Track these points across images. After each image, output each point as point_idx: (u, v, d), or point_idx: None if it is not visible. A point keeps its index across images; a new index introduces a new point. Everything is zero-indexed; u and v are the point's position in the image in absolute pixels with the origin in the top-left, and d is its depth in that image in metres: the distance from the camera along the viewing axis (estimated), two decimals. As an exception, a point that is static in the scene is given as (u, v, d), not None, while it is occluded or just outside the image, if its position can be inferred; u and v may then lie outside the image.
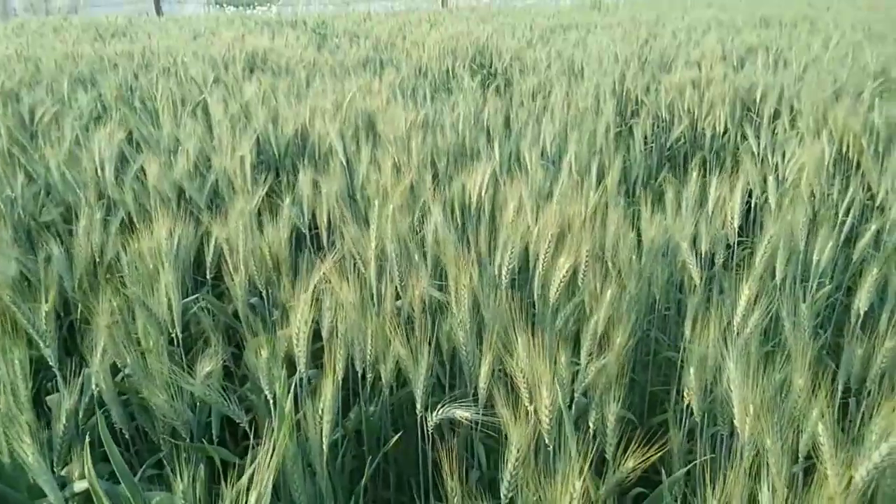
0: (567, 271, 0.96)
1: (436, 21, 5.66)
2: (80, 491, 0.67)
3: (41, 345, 0.77)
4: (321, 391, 0.71)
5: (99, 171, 1.47)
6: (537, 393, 0.67)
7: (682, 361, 1.09)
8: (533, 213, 1.20)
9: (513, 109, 2.33)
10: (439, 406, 0.79)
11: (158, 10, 7.30)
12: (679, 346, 1.22)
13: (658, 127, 2.48)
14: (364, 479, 0.86)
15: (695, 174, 1.38)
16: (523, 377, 0.70)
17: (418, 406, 0.80)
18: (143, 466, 0.81)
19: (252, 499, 0.51)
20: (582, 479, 0.56)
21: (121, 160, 1.58)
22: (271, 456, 0.56)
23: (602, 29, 4.65)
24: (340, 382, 0.78)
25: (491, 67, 3.68)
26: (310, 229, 1.42)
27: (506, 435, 0.66)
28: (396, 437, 0.88)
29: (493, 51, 3.87)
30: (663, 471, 0.86)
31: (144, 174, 1.49)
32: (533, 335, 0.75)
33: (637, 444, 0.68)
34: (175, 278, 0.91)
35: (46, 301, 0.79)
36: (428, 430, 0.80)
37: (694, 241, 1.18)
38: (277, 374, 0.74)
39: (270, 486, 0.54)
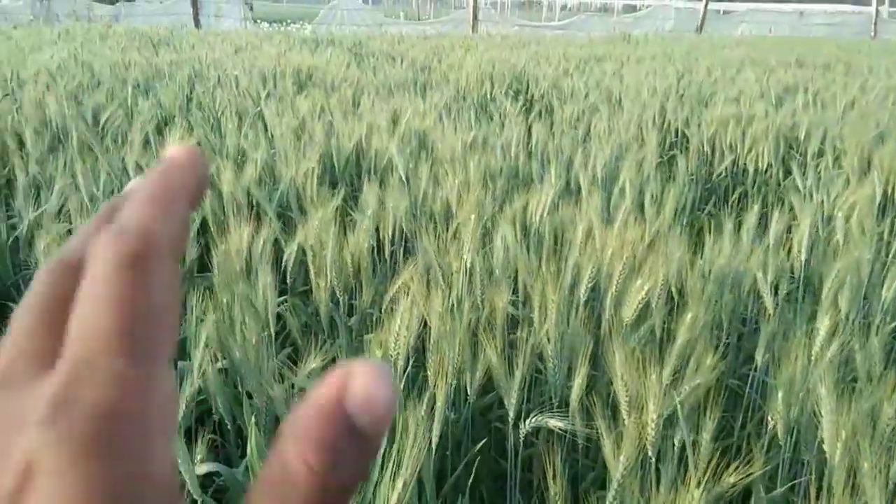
0: (646, 293, 0.99)
1: (469, 46, 5.76)
2: (202, 473, 0.70)
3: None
4: (432, 394, 0.74)
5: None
6: (644, 406, 0.70)
7: (749, 388, 1.12)
8: (602, 236, 1.24)
9: (555, 136, 2.38)
10: (532, 415, 0.82)
11: (197, 23, 7.46)
12: (742, 373, 1.24)
13: (699, 159, 2.51)
14: (446, 486, 0.89)
15: (755, 207, 1.41)
16: (626, 390, 0.73)
17: (510, 414, 0.83)
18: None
19: (388, 492, 0.54)
20: (701, 488, 0.59)
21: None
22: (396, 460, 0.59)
23: (636, 62, 4.72)
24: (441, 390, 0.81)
25: (527, 94, 3.74)
26: (377, 242, 1.46)
27: (598, 446, 0.69)
28: (482, 443, 0.91)
29: (531, 78, 3.94)
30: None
31: (213, 180, 1.54)
32: (622, 352, 0.78)
33: (736, 463, 0.71)
34: (272, 279, 0.95)
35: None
36: (519, 439, 0.83)
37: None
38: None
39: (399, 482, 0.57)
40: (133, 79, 2.77)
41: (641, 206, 1.62)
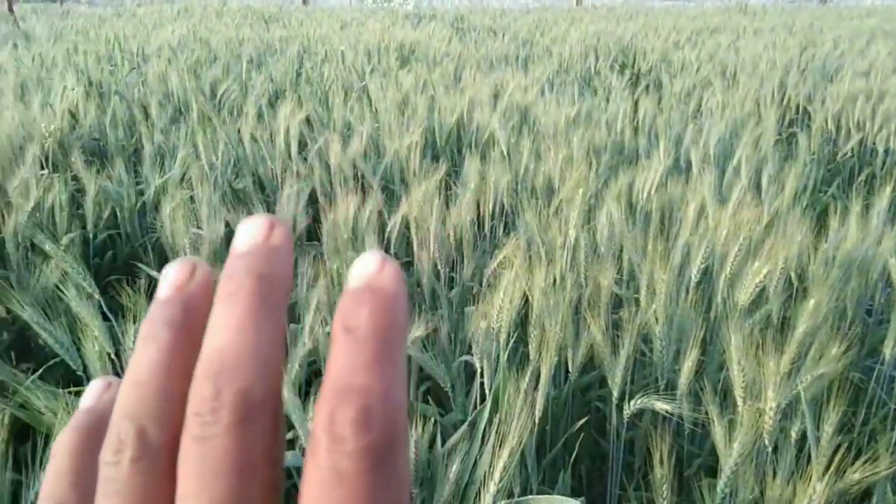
0: (764, 277, 0.94)
1: (573, 19, 5.61)
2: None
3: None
4: (535, 368, 0.74)
5: (283, 146, 1.58)
6: (762, 393, 0.66)
7: (873, 383, 1.04)
8: (715, 216, 1.18)
9: (664, 111, 2.29)
10: (637, 396, 0.80)
11: (305, 0, 7.66)
12: (865, 366, 1.16)
13: (822, 138, 2.35)
14: (545, 461, 0.88)
15: (887, 189, 1.30)
16: (742, 376, 0.70)
17: (615, 394, 0.81)
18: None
19: (502, 455, 0.54)
20: (824, 483, 0.55)
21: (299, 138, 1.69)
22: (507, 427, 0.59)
23: (754, 33, 4.44)
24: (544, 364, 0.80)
25: (634, 67, 3.61)
26: (478, 216, 1.46)
27: (705, 432, 0.66)
28: (583, 420, 0.90)
29: (638, 51, 3.79)
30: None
31: (322, 152, 1.59)
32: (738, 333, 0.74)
33: (860, 458, 0.66)
34: (378, 248, 0.97)
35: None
36: (623, 420, 0.81)
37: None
38: (488, 345, 0.78)
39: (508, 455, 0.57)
40: (247, 54, 2.88)
41: (758, 186, 1.53)
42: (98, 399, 0.16)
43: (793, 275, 1.14)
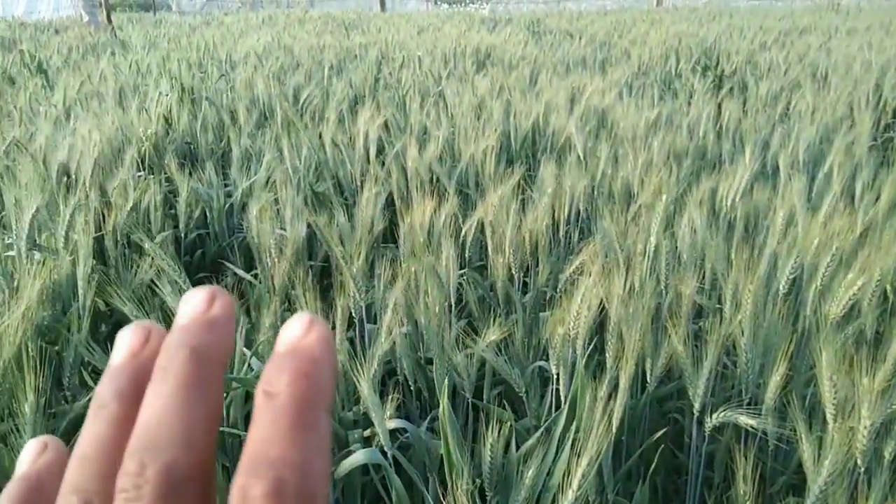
0: (858, 290, 0.89)
1: (653, 20, 5.49)
2: (391, 428, 0.74)
3: (355, 296, 0.87)
4: (613, 376, 0.73)
5: (362, 150, 1.62)
6: (855, 411, 0.63)
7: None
8: (805, 224, 1.13)
9: (749, 115, 2.21)
10: (720, 410, 0.77)
11: (383, 6, 7.82)
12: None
13: (923, 143, 2.21)
14: (621, 471, 0.87)
15: None
16: (833, 392, 0.67)
17: (696, 406, 0.79)
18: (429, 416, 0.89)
19: (581, 465, 0.54)
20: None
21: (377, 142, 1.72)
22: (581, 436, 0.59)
23: (847, 34, 4.22)
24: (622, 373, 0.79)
25: (718, 69, 3.50)
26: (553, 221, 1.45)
27: (791, 450, 0.63)
28: (661, 432, 0.88)
29: (721, 52, 3.67)
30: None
31: (399, 156, 1.61)
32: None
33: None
34: (455, 252, 0.98)
35: (359, 258, 0.89)
36: (704, 433, 0.79)
37: None
38: (564, 352, 0.77)
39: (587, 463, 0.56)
40: (328, 60, 2.96)
41: (851, 194, 1.46)
42: (34, 463, 0.16)
43: (888, 288, 1.09)
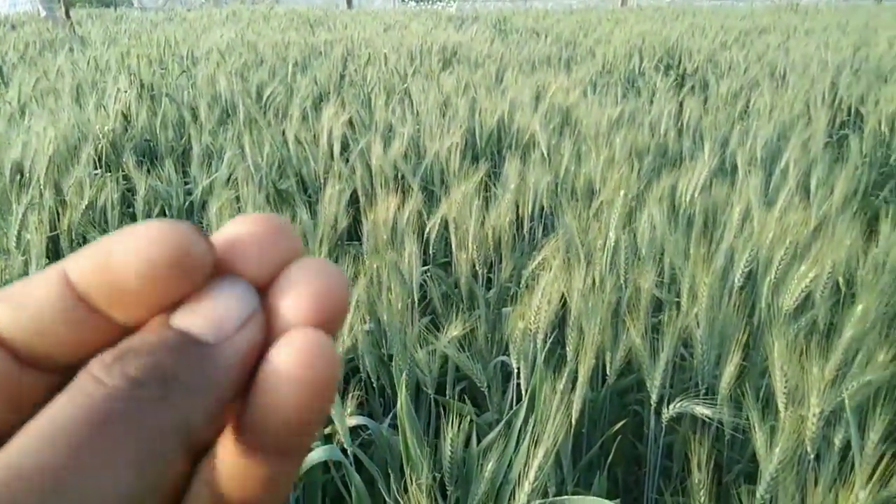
0: (811, 282, 0.92)
1: (618, 20, 5.55)
2: (351, 426, 0.74)
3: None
4: (573, 369, 0.74)
5: (326, 147, 1.61)
6: (805, 400, 0.65)
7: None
8: (760, 219, 1.16)
9: (709, 113, 2.25)
10: (676, 401, 0.79)
11: (349, 3, 7.76)
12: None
13: (875, 140, 2.27)
14: (581, 463, 0.88)
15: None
16: (784, 382, 0.68)
17: (653, 398, 0.81)
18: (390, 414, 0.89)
19: (536, 456, 0.54)
20: (867, 491, 0.54)
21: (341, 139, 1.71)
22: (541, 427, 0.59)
23: (805, 33, 4.33)
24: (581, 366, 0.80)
25: (680, 68, 3.55)
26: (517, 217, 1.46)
27: (746, 438, 0.65)
28: (621, 423, 0.89)
29: (683, 51, 3.73)
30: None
31: (364, 153, 1.61)
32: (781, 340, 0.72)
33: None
34: (418, 249, 0.98)
35: (320, 255, 0.88)
36: (661, 424, 0.80)
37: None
38: (526, 346, 0.78)
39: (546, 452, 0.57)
40: (292, 57, 2.93)
41: (806, 190, 1.50)
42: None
43: (840, 280, 1.11)
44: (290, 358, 0.12)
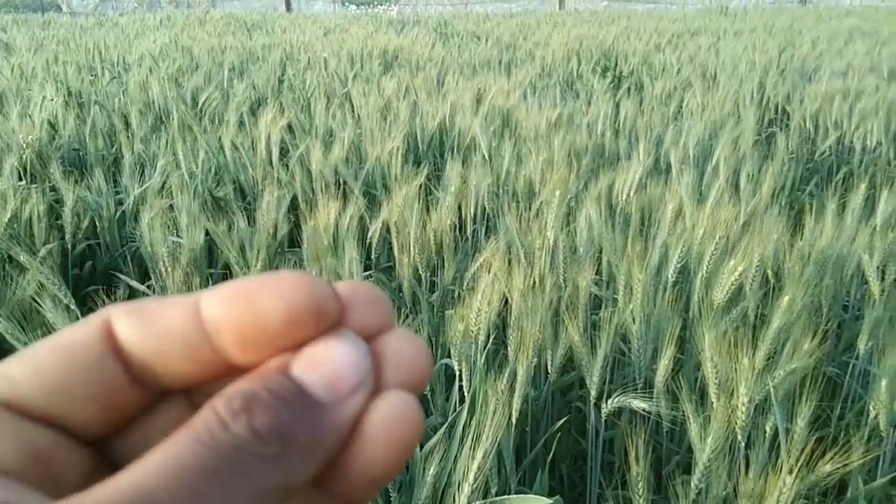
0: (740, 275, 0.95)
1: (556, 23, 5.64)
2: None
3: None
4: (513, 369, 0.74)
5: (264, 153, 1.58)
6: (735, 390, 0.67)
7: (849, 377, 1.06)
8: (692, 215, 1.19)
9: (645, 113, 2.31)
10: (614, 395, 0.80)
11: (288, 7, 7.67)
12: (842, 361, 1.17)
13: (801, 137, 2.37)
14: (525, 462, 0.89)
15: (862, 186, 1.32)
16: (715, 372, 0.71)
17: (592, 394, 0.82)
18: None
19: (476, 454, 0.54)
20: (794, 476, 0.56)
21: (280, 145, 1.69)
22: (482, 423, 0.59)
23: (734, 35, 4.49)
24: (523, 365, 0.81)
25: (616, 70, 3.64)
26: (460, 220, 1.47)
27: (683, 430, 0.66)
28: (562, 420, 0.90)
29: (619, 54, 3.82)
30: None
31: (303, 159, 1.59)
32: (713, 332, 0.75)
33: (832, 452, 0.67)
34: (358, 254, 0.98)
35: (256, 263, 0.86)
36: (601, 419, 0.82)
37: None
38: (467, 348, 0.78)
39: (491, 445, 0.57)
40: (229, 62, 2.88)
41: (737, 186, 1.55)
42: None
43: (769, 272, 1.16)
44: (389, 421, 0.13)
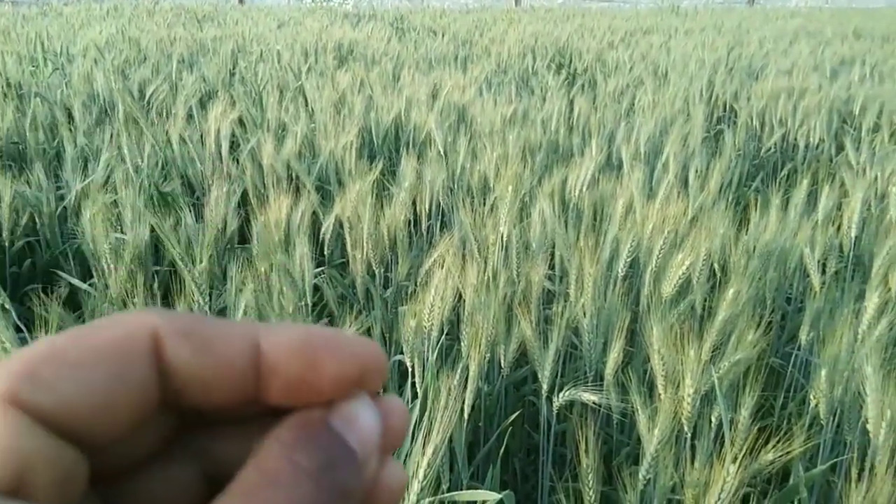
0: (687, 269, 0.97)
1: (512, 20, 5.67)
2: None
3: (198, 302, 0.83)
4: (465, 365, 0.74)
5: (214, 147, 1.55)
6: (680, 381, 0.68)
7: (792, 368, 1.09)
8: (642, 211, 1.21)
9: (598, 110, 2.34)
10: (565, 389, 0.81)
11: (241, -1, 7.52)
12: (786, 352, 1.21)
13: (747, 134, 2.44)
14: (478, 457, 0.89)
15: (804, 182, 1.37)
16: (662, 364, 0.72)
17: (544, 388, 0.83)
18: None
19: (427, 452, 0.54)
20: (737, 464, 0.57)
21: (231, 139, 1.65)
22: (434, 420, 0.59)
23: (685, 34, 4.58)
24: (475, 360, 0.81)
25: (570, 67, 3.68)
26: (414, 215, 1.46)
27: (631, 421, 0.67)
28: (515, 415, 0.91)
29: (574, 51, 3.86)
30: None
31: (255, 153, 1.56)
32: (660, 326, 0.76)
33: (774, 440, 0.69)
34: (309, 250, 0.96)
35: (201, 260, 0.84)
36: (552, 412, 0.82)
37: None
38: (419, 344, 0.78)
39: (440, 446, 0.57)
40: (178, 54, 2.80)
41: (686, 182, 1.58)
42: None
43: (716, 266, 1.19)
44: (397, 480, 0.15)
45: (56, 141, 1.69)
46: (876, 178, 1.91)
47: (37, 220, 1.31)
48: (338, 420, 0.14)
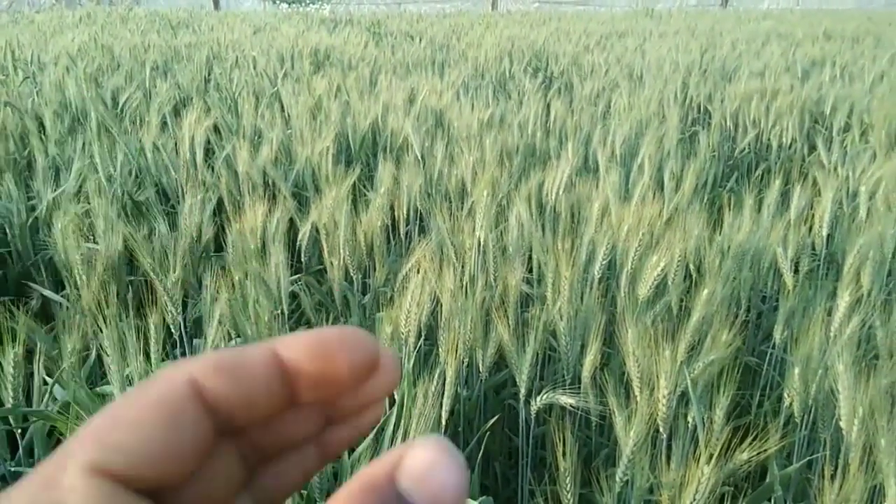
0: (662, 270, 0.98)
1: (488, 24, 5.69)
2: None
3: (171, 312, 0.82)
4: (443, 369, 0.74)
5: (188, 154, 1.53)
6: (655, 382, 0.69)
7: (767, 366, 1.10)
8: (618, 213, 1.22)
9: (574, 113, 2.35)
10: (543, 392, 0.81)
11: (216, 4, 7.47)
12: (761, 351, 1.22)
13: (721, 135, 2.47)
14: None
15: (777, 182, 1.38)
16: (637, 366, 0.72)
17: (522, 391, 0.83)
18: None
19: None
20: (711, 463, 0.58)
21: (205, 146, 1.64)
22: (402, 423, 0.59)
23: (659, 37, 4.63)
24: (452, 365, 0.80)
25: (547, 71, 3.70)
26: (392, 220, 1.46)
27: (610, 423, 0.68)
28: (494, 419, 0.91)
29: (550, 55, 3.89)
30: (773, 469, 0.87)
31: (230, 160, 1.55)
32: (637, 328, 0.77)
33: (749, 439, 0.70)
34: (284, 258, 0.96)
35: (174, 270, 0.83)
36: (531, 416, 0.82)
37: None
38: (397, 349, 0.77)
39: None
40: (152, 61, 2.78)
41: (661, 183, 1.60)
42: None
43: (691, 267, 1.20)
44: None
45: (27, 150, 1.66)
46: (847, 177, 1.95)
47: (7, 231, 1.29)
48: (407, 479, 0.13)
